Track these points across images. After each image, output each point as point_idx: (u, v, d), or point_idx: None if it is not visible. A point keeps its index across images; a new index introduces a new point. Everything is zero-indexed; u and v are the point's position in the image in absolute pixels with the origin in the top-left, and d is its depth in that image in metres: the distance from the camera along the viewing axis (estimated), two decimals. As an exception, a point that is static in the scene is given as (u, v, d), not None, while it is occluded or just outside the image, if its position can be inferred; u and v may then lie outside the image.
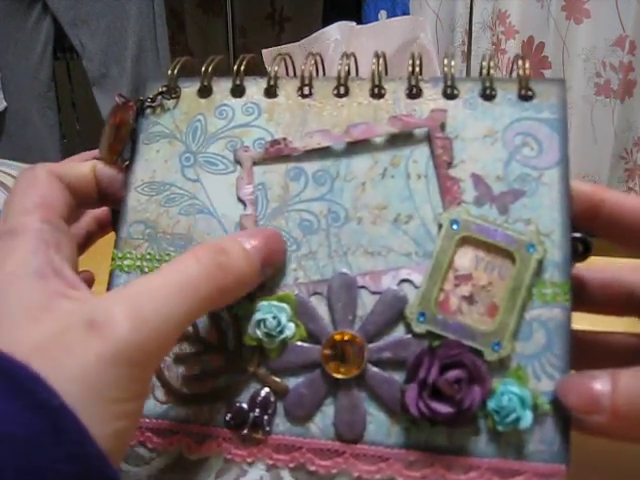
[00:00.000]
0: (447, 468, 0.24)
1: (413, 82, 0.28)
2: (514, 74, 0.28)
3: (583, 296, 0.28)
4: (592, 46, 1.73)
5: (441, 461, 0.25)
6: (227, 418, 0.26)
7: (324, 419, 0.26)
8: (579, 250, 0.26)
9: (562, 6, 1.73)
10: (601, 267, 0.27)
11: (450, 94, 0.28)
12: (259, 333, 0.26)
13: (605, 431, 0.23)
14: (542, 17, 1.75)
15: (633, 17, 1.67)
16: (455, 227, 0.26)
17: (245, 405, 0.26)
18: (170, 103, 0.30)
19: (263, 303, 0.26)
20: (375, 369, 0.26)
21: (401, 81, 0.28)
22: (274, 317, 0.26)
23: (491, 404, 0.24)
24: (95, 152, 0.30)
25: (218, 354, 0.27)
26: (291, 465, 0.26)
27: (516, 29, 1.77)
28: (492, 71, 0.28)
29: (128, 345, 0.20)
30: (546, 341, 0.25)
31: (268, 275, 0.26)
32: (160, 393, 0.27)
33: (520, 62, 0.28)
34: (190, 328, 0.27)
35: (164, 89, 0.30)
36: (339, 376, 0.26)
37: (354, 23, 1.15)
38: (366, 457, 0.25)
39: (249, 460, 0.26)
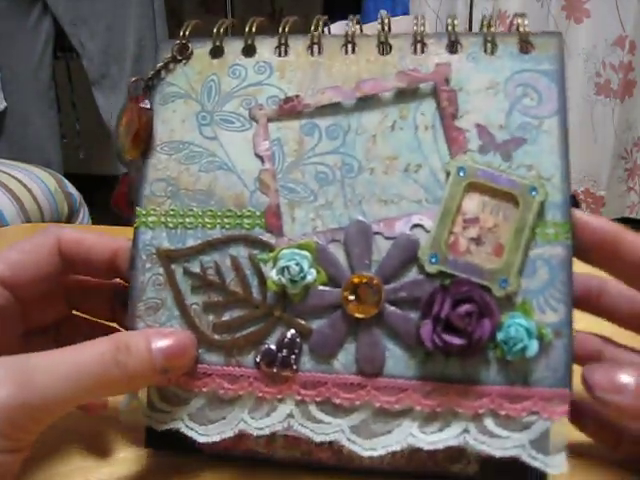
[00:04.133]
0: (461, 396, 0.27)
1: (418, 38, 0.29)
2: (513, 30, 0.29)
3: (608, 304, 0.29)
4: (592, 46, 1.72)
5: (455, 390, 0.27)
6: (257, 359, 0.28)
7: (346, 356, 0.28)
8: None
9: (562, 6, 1.72)
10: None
11: (453, 48, 0.29)
12: (283, 279, 0.28)
13: (624, 411, 0.25)
14: (542, 17, 1.74)
15: (633, 17, 1.67)
16: (462, 174, 0.28)
17: (273, 346, 0.28)
18: (182, 62, 0.31)
19: (285, 251, 0.28)
20: (392, 308, 0.28)
21: (406, 37, 0.30)
22: (297, 264, 0.28)
23: (500, 336, 0.27)
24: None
25: (244, 302, 0.29)
26: (318, 399, 0.28)
27: (516, 29, 1.79)
28: (492, 28, 0.29)
29: (6, 407, 0.23)
30: (549, 277, 0.27)
31: (172, 375, 0.28)
32: (191, 339, 0.29)
33: (520, 20, 0.29)
34: (216, 278, 0.29)
35: (176, 51, 0.31)
36: (359, 315, 0.28)
37: (354, 22, 1.15)
38: (386, 389, 0.27)
39: (279, 397, 0.28)
